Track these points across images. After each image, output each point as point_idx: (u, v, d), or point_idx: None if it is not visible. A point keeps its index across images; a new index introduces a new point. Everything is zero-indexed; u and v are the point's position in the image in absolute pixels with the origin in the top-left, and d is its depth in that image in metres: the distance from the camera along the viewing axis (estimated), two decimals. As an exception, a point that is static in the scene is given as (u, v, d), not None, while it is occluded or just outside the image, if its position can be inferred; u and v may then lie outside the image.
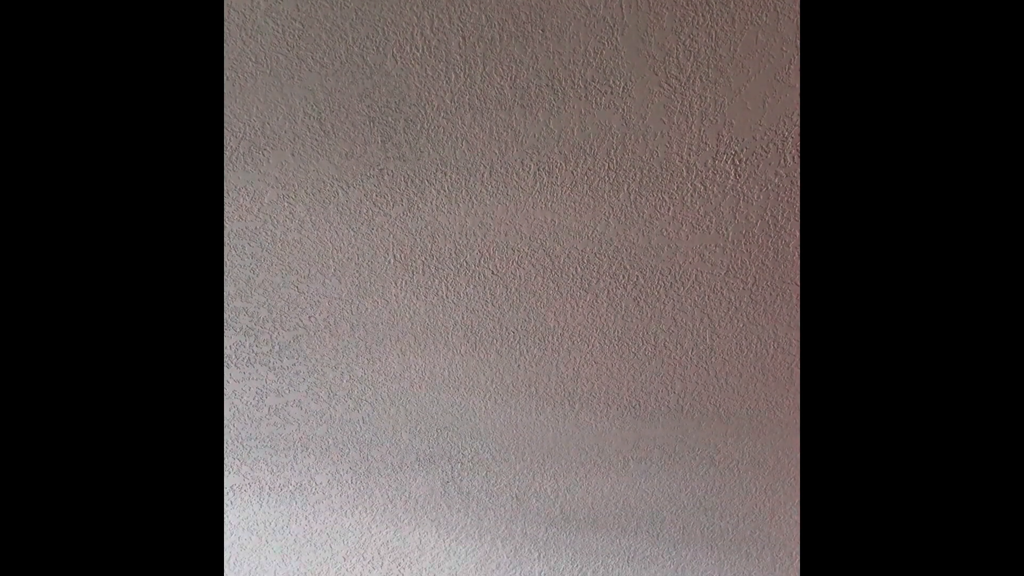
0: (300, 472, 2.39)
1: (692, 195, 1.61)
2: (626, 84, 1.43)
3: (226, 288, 1.84)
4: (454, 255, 1.74)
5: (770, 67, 1.40)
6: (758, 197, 1.61)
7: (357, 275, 1.79)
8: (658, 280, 1.78)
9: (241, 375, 2.06)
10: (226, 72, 1.43)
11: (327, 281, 1.81)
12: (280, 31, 1.37)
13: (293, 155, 1.56)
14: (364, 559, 2.75)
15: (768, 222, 1.65)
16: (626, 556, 2.72)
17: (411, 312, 1.88)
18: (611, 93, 1.44)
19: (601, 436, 2.23)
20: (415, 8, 1.34)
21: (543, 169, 1.57)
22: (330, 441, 2.27)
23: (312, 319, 1.90)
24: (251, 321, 1.91)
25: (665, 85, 1.43)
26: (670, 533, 2.60)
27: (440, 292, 1.83)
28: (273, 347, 1.98)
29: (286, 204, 1.65)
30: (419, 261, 1.76)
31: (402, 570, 2.79)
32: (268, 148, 1.55)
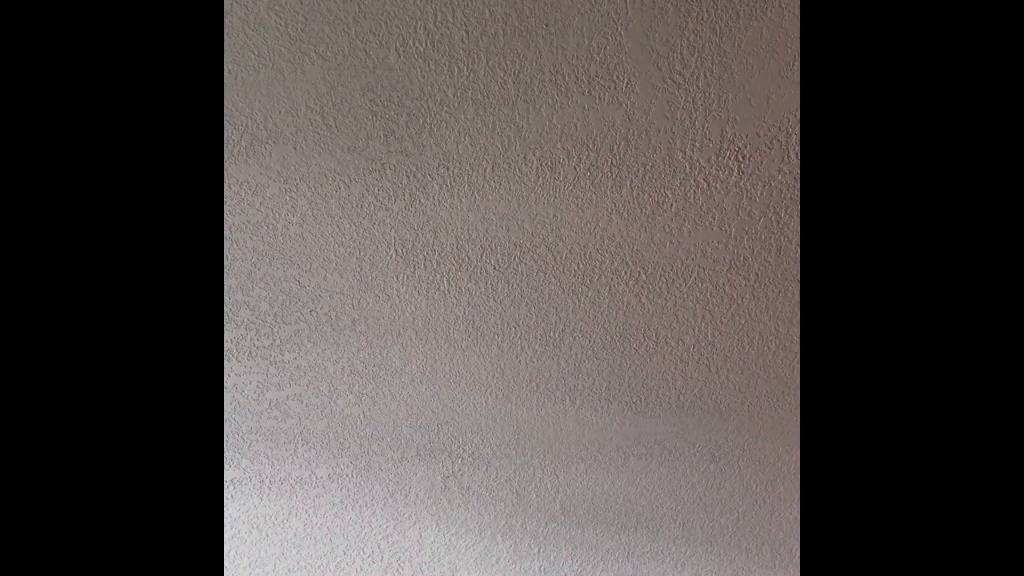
0: (300, 466, 2.39)
1: (695, 191, 1.60)
2: (629, 80, 1.42)
3: (227, 282, 1.84)
4: (456, 250, 1.74)
5: (773, 63, 1.40)
6: (761, 193, 1.60)
7: (359, 269, 1.79)
8: (660, 276, 1.78)
9: (242, 369, 2.06)
10: (228, 65, 1.43)
11: (328, 275, 1.81)
12: (283, 24, 1.37)
13: (295, 149, 1.56)
14: (364, 553, 2.76)
15: (770, 219, 1.65)
16: (626, 552, 2.72)
17: (412, 307, 1.88)
18: (614, 88, 1.44)
19: (601, 432, 2.23)
20: (418, 2, 1.33)
21: (546, 164, 1.57)
22: (330, 435, 2.27)
23: (313, 313, 1.90)
24: (252, 315, 1.91)
25: (668, 81, 1.42)
26: (670, 529, 2.60)
27: (441, 287, 1.83)
28: (274, 341, 1.98)
29: (288, 198, 1.65)
30: (421, 256, 1.76)
31: (401, 564, 2.80)
32: (270, 142, 1.55)
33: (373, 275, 1.81)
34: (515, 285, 1.82)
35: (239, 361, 2.04)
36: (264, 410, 2.19)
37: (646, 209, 1.64)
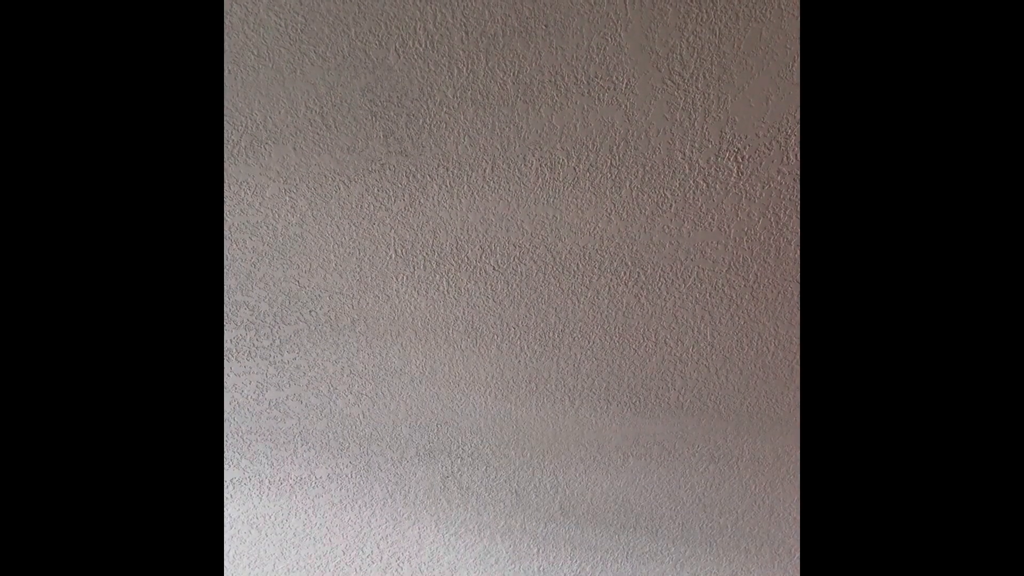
0: (300, 466, 2.39)
1: (694, 192, 1.60)
2: (629, 80, 1.43)
3: (227, 282, 1.84)
4: (455, 250, 1.74)
5: (773, 64, 1.40)
6: (760, 194, 1.60)
7: (358, 270, 1.79)
8: (659, 276, 1.78)
9: (241, 369, 2.06)
10: (228, 66, 1.43)
11: (328, 276, 1.81)
12: (282, 25, 1.37)
13: (295, 149, 1.56)
14: (363, 553, 2.76)
15: (770, 219, 1.65)
16: (625, 552, 2.72)
17: (412, 307, 1.88)
18: (614, 89, 1.44)
19: (601, 432, 2.23)
20: (418, 3, 1.33)
21: (545, 165, 1.57)
22: (330, 435, 2.27)
23: (313, 313, 1.90)
24: (252, 315, 1.91)
25: (668, 82, 1.42)
26: (669, 530, 2.60)
27: (441, 287, 1.83)
28: (273, 341, 1.98)
29: (287, 198, 1.65)
30: (420, 256, 1.76)
31: (401, 564, 2.80)
32: (269, 142, 1.55)
33: (373, 275, 1.81)
34: (514, 285, 1.82)
35: (239, 361, 2.04)
36: (263, 410, 2.19)
37: (645, 210, 1.64)
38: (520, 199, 1.63)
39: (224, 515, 2.62)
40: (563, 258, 1.75)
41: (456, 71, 1.42)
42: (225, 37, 1.39)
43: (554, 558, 2.76)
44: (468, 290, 1.83)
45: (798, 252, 1.72)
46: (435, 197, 1.63)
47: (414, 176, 1.60)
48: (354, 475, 2.42)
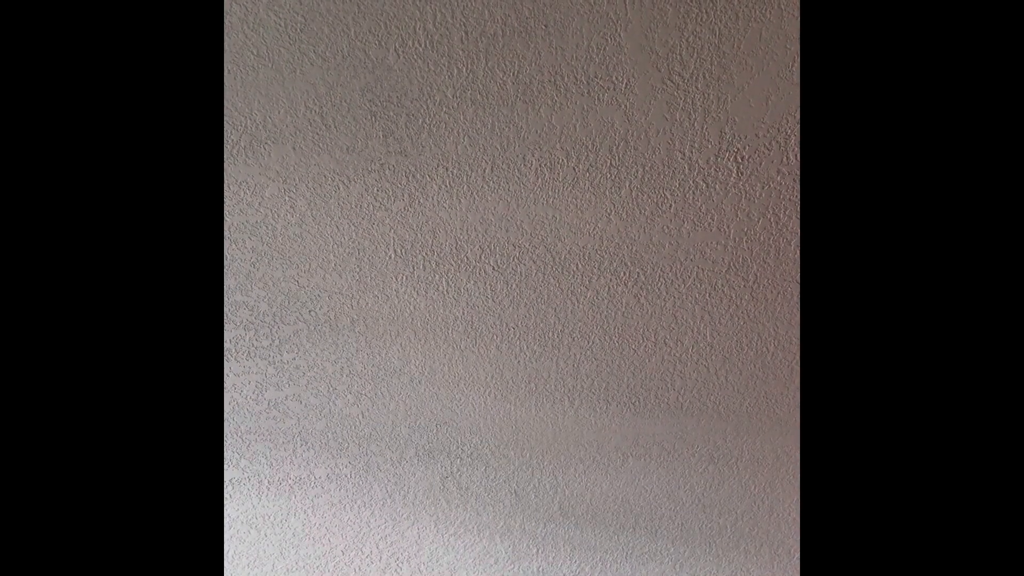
0: (299, 466, 2.39)
1: (694, 192, 1.60)
2: (628, 80, 1.43)
3: (226, 282, 1.84)
4: (455, 250, 1.74)
5: (773, 64, 1.40)
6: (760, 195, 1.60)
7: (357, 270, 1.79)
8: (659, 277, 1.78)
9: (241, 369, 2.06)
10: (227, 65, 1.43)
11: (327, 276, 1.81)
12: (282, 25, 1.37)
13: (294, 149, 1.56)
14: (362, 553, 2.76)
15: (770, 220, 1.65)
16: (624, 553, 2.72)
17: (411, 307, 1.88)
18: (613, 89, 1.44)
19: (600, 432, 2.23)
20: (418, 3, 1.33)
21: (545, 165, 1.57)
22: (329, 435, 2.27)
23: (312, 313, 1.90)
24: (251, 315, 1.91)
25: (668, 82, 1.42)
26: (668, 530, 2.60)
27: (440, 287, 1.83)
28: (273, 341, 1.98)
29: (287, 198, 1.65)
30: (420, 256, 1.76)
31: (400, 565, 2.80)
32: (269, 142, 1.55)
33: (372, 275, 1.81)
34: (514, 286, 1.82)
35: (238, 361, 2.04)
36: (263, 410, 2.19)
37: (645, 210, 1.64)
38: (520, 199, 1.63)
39: (224, 515, 2.62)
40: (563, 258, 1.75)
41: (456, 71, 1.42)
42: (225, 37, 1.39)
43: (554, 558, 2.76)
44: (468, 290, 1.83)
45: (798, 252, 1.72)
46: (435, 197, 1.63)
47: (414, 176, 1.60)
48: (353, 475, 2.42)
